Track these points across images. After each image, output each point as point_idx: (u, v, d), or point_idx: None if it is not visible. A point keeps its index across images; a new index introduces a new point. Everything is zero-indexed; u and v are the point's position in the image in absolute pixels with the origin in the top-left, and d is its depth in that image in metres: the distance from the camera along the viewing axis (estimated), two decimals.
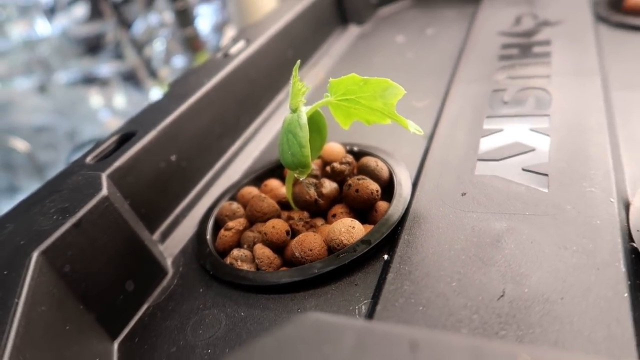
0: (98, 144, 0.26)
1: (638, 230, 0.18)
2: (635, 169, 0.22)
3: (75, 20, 0.82)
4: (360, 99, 0.22)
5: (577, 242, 0.18)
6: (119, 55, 0.85)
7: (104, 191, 0.21)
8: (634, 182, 0.21)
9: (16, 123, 0.98)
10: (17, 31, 0.86)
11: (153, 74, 0.81)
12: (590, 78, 0.27)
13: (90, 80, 0.89)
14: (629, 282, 0.16)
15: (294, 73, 0.22)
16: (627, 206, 0.20)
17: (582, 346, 0.14)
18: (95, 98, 0.91)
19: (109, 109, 0.97)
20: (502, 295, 0.17)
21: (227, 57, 0.33)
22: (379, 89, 0.21)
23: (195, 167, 0.28)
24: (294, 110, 0.22)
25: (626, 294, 0.15)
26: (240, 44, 0.34)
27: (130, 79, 0.87)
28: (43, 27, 0.84)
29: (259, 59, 0.33)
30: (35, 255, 0.17)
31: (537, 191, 0.20)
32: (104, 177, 0.21)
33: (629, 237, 0.18)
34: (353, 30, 0.46)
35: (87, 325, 0.19)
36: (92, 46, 0.85)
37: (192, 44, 0.65)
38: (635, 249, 0.18)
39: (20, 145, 0.63)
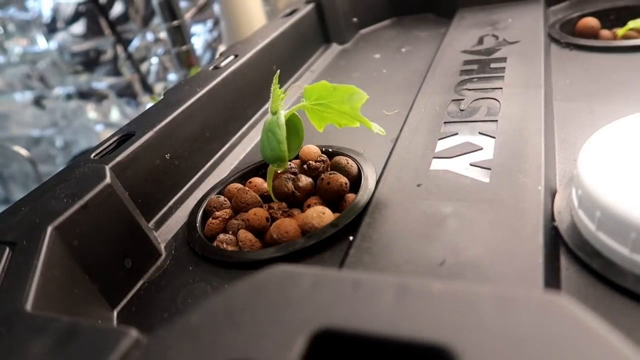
0: (101, 143, 0.29)
1: (559, 212, 0.22)
2: (565, 165, 0.25)
3: (74, 36, 0.85)
4: (331, 104, 0.25)
5: (507, 221, 0.21)
6: (115, 71, 0.88)
7: (108, 180, 0.24)
8: (562, 176, 0.25)
9: (14, 135, 1.00)
10: (17, 46, 0.89)
11: (148, 89, 0.84)
12: (534, 90, 0.30)
13: (86, 95, 0.92)
14: (545, 252, 0.19)
15: (274, 81, 0.26)
16: (553, 194, 0.23)
17: None
18: (91, 112, 0.94)
19: (104, 123, 1.00)
20: (443, 262, 0.20)
21: (217, 69, 0.36)
22: (346, 94, 0.25)
23: (187, 166, 0.31)
24: (274, 113, 0.25)
25: (541, 261, 0.19)
26: (230, 58, 0.38)
27: (126, 94, 0.90)
28: (42, 43, 0.88)
29: (246, 72, 0.37)
30: (49, 230, 0.20)
31: (480, 182, 0.24)
32: (107, 168, 0.25)
33: (552, 217, 0.22)
34: (335, 48, 0.50)
35: (91, 294, 0.22)
36: (90, 62, 0.88)
37: (186, 60, 0.68)
38: (556, 227, 0.21)
39: (22, 152, 0.66)
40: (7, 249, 0.20)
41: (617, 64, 0.34)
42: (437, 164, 0.26)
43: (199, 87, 0.33)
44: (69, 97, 0.93)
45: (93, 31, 0.84)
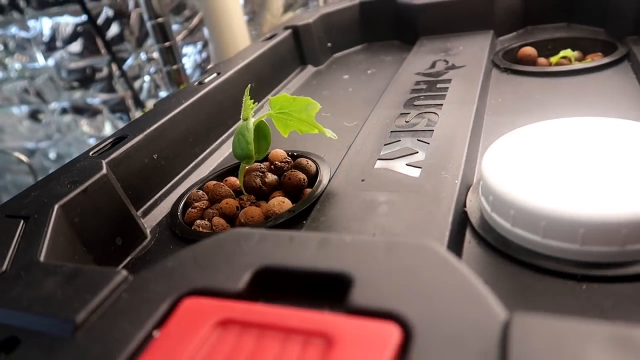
0: (98, 143, 0.34)
1: (470, 201, 0.27)
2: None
3: (71, 54, 0.90)
4: (292, 112, 0.30)
5: (427, 207, 0.26)
6: (109, 88, 0.93)
7: (104, 171, 0.29)
8: (479, 174, 0.30)
9: (9, 146, 1.05)
10: (16, 63, 0.94)
11: (140, 104, 0.89)
12: (468, 106, 0.36)
13: (81, 110, 0.97)
14: (450, 228, 0.24)
15: (245, 93, 0.31)
16: (469, 187, 0.29)
17: None
18: (84, 126, 0.99)
19: (97, 136, 1.05)
20: (373, 236, 0.25)
21: (201, 84, 0.42)
22: (304, 104, 0.30)
23: (171, 165, 0.36)
24: (245, 119, 0.31)
25: (447, 234, 0.24)
26: (213, 75, 0.43)
27: (119, 109, 0.95)
28: (40, 60, 0.93)
29: (227, 88, 0.42)
30: (56, 207, 0.25)
31: (411, 177, 0.29)
32: (104, 162, 0.30)
33: (464, 204, 0.27)
34: (310, 69, 0.56)
35: (88, 262, 0.27)
36: (85, 79, 0.93)
37: (177, 78, 0.74)
38: (465, 211, 0.27)
39: (23, 158, 0.70)
40: (22, 222, 0.24)
41: (543, 86, 0.40)
42: (379, 164, 0.31)
43: (184, 99, 0.39)
44: (64, 111, 0.97)
45: (90, 50, 0.89)
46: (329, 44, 0.59)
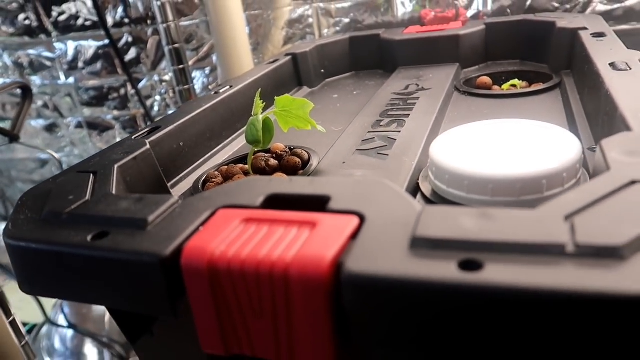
0: (138, 130, 0.43)
1: (423, 176, 0.37)
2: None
3: (89, 73, 1.00)
4: (292, 110, 0.40)
5: (390, 177, 0.35)
6: (123, 106, 1.03)
7: (148, 146, 0.38)
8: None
9: (26, 157, 1.13)
10: (38, 79, 1.04)
11: (151, 121, 0.99)
12: (429, 116, 0.46)
13: (94, 125, 1.07)
14: (405, 189, 0.34)
15: (257, 95, 0.41)
16: (422, 168, 0.38)
17: None
18: (96, 139, 1.08)
19: None
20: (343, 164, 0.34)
21: (217, 94, 0.51)
22: (301, 104, 0.39)
23: (193, 153, 0.45)
24: (255, 115, 0.40)
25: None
26: (227, 87, 0.53)
27: (130, 126, 1.05)
28: (62, 78, 1.02)
29: (238, 97, 0.52)
30: (115, 167, 0.34)
31: (381, 161, 0.38)
32: (147, 141, 0.39)
33: (417, 178, 0.36)
34: (305, 90, 0.66)
35: None
36: (101, 97, 1.03)
37: (188, 97, 0.84)
38: (418, 183, 0.36)
39: (54, 155, 0.79)
40: (91, 175, 0.33)
41: (492, 105, 0.50)
42: (357, 153, 0.41)
43: (204, 103, 0.48)
44: (79, 125, 1.07)
45: (108, 71, 0.99)
46: (322, 70, 0.69)
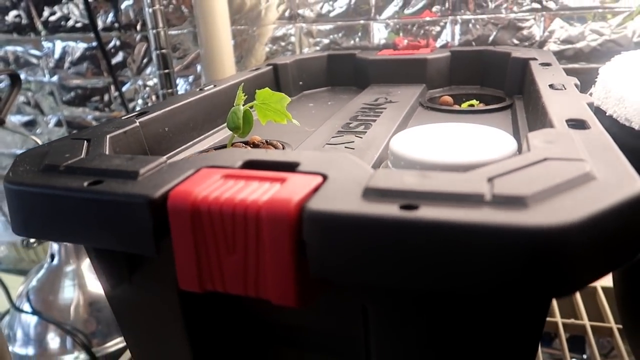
0: (127, 114, 0.47)
1: (383, 166, 0.41)
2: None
3: (74, 73, 1.03)
4: (270, 103, 0.44)
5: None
6: (104, 107, 1.06)
7: (137, 124, 0.42)
8: None
9: (6, 152, 1.14)
10: (22, 75, 1.06)
11: None
12: (394, 121, 0.51)
13: (74, 125, 1.09)
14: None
15: (239, 88, 0.45)
16: (384, 160, 0.43)
17: None
18: None
19: None
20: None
21: (201, 90, 0.55)
22: (279, 98, 0.44)
23: (176, 139, 0.49)
24: (237, 105, 0.44)
25: None
26: (211, 85, 0.57)
27: None
28: (45, 76, 1.05)
29: (220, 95, 0.57)
30: (107, 137, 0.38)
31: (348, 153, 0.43)
32: (137, 120, 0.42)
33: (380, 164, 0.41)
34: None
35: None
36: (84, 97, 1.05)
37: None
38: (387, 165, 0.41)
39: (38, 140, 0.80)
40: (86, 141, 0.37)
41: (450, 118, 0.56)
42: (327, 147, 0.45)
43: (189, 97, 0.52)
44: (58, 124, 1.09)
45: (93, 72, 1.02)
46: (301, 82, 0.74)
